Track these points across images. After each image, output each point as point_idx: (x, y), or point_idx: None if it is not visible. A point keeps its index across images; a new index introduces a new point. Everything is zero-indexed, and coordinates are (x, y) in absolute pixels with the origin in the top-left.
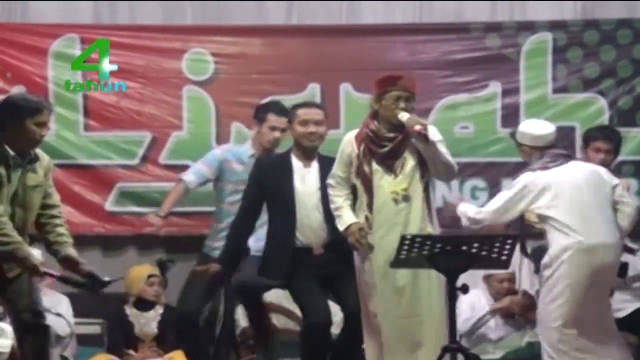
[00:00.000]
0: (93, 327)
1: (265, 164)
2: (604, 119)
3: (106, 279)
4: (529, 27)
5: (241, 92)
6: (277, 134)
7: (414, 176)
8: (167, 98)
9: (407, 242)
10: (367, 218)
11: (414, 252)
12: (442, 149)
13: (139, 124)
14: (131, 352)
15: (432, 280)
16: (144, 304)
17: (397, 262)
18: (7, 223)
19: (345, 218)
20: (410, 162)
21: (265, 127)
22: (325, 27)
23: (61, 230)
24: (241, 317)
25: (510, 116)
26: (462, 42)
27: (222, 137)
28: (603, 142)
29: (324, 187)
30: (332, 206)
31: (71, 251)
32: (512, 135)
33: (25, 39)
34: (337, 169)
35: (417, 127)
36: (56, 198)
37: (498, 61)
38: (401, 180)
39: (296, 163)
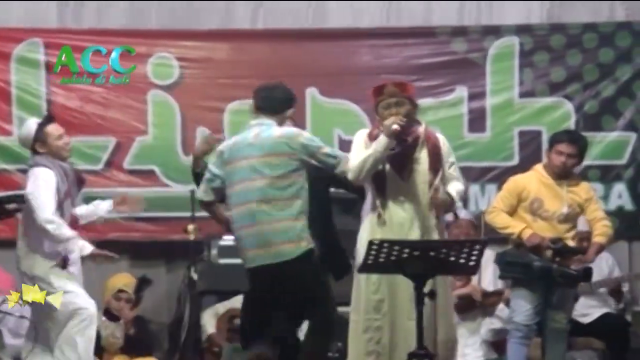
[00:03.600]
0: None
1: None
2: (570, 123)
3: None
4: (495, 31)
5: (207, 97)
6: None
7: (424, 184)
8: (132, 102)
9: (374, 247)
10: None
11: (382, 257)
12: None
13: (103, 128)
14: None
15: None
16: (112, 314)
17: (365, 267)
18: None
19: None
20: (419, 169)
21: None
22: (291, 31)
23: None
24: (207, 323)
25: (477, 120)
26: (428, 46)
27: (187, 142)
28: (567, 145)
29: None
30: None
31: None
32: None
33: None
34: (360, 153)
35: (394, 127)
36: None
37: (464, 65)
38: (409, 186)
39: None
